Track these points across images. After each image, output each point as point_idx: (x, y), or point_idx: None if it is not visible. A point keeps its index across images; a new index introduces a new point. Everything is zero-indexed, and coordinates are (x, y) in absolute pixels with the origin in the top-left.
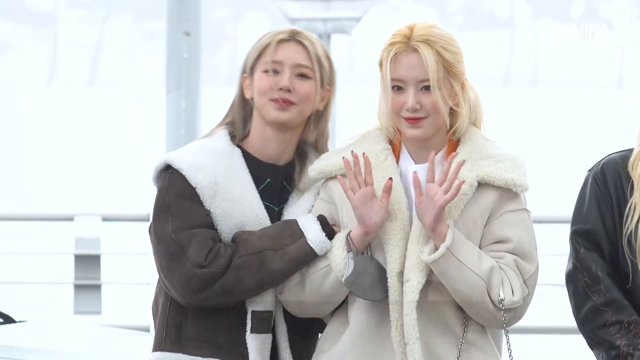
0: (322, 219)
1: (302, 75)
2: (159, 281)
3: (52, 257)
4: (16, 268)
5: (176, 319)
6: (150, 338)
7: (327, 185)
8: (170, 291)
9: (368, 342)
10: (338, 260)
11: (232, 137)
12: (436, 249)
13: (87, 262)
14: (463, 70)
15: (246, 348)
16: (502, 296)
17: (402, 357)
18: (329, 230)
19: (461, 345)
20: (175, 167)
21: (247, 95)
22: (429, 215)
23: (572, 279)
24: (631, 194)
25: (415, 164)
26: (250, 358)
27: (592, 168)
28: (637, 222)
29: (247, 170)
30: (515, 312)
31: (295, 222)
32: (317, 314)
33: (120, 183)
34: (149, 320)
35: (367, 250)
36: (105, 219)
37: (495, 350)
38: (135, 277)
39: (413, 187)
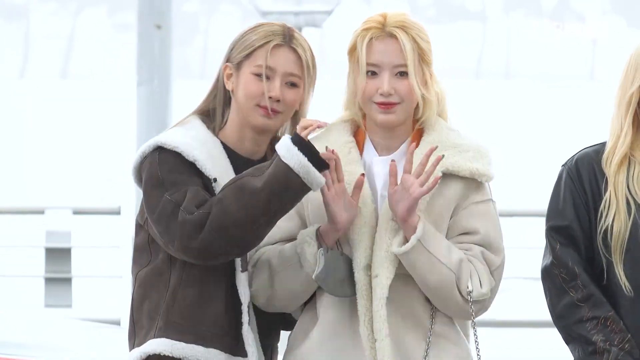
0: (295, 137)
1: (291, 84)
2: (143, 277)
3: (23, 250)
4: None
5: (168, 304)
6: (120, 331)
7: None
8: (177, 253)
9: (337, 337)
10: (308, 256)
11: (208, 128)
12: (406, 240)
13: (58, 255)
14: (432, 60)
15: (229, 338)
16: (470, 288)
17: (370, 352)
18: (302, 142)
19: (429, 338)
20: (169, 147)
21: (229, 87)
22: (402, 206)
23: (549, 274)
24: (605, 190)
25: (379, 155)
26: (249, 352)
27: (566, 163)
28: (612, 219)
29: (229, 161)
30: (482, 303)
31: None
32: (284, 308)
33: (92, 176)
34: (119, 314)
35: (337, 245)
36: (76, 212)
37: (464, 340)
38: (106, 271)
39: (389, 176)
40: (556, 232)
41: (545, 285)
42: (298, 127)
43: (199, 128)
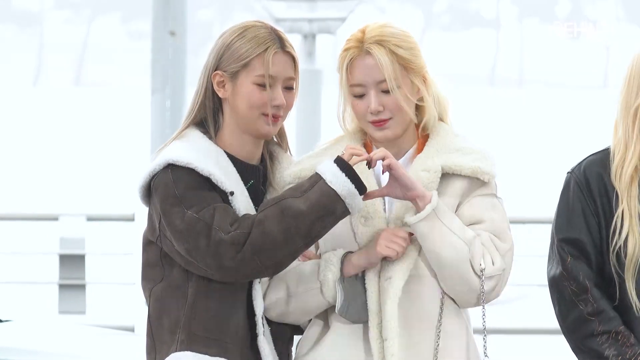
0: (339, 160)
1: (288, 87)
2: (156, 291)
3: (37, 256)
4: (0, 268)
5: (188, 317)
6: (134, 338)
7: None
8: (207, 271)
9: (349, 344)
10: (331, 284)
11: (209, 138)
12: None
13: (72, 262)
14: (422, 64)
15: (247, 349)
16: (483, 266)
17: (379, 355)
18: (349, 168)
19: (438, 337)
20: (182, 164)
21: (222, 95)
22: (402, 188)
23: (558, 285)
24: (616, 204)
25: None
26: None
27: (573, 171)
28: (626, 237)
29: (235, 169)
30: (495, 282)
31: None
32: (295, 322)
33: (105, 183)
34: (133, 320)
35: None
36: (90, 219)
37: (473, 340)
38: (119, 277)
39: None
40: (567, 244)
41: (553, 296)
42: (345, 154)
43: (200, 139)
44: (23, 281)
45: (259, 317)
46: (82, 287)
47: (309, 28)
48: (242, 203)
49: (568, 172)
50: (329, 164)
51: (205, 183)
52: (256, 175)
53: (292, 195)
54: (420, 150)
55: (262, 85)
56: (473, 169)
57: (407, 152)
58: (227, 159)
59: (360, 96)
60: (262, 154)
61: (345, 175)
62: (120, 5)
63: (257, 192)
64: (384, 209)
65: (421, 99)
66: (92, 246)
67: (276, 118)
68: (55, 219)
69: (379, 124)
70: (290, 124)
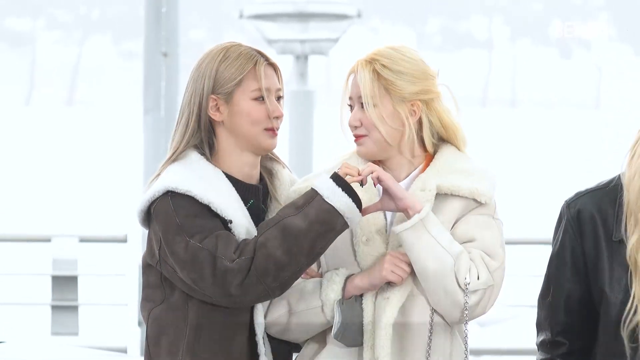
0: (334, 176)
1: (279, 98)
2: (154, 309)
3: (29, 278)
4: None
5: (191, 340)
6: (127, 359)
7: None
8: (213, 299)
9: None
10: (333, 304)
11: (207, 159)
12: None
13: (65, 283)
14: (413, 90)
15: None
16: (468, 280)
17: None
18: (345, 184)
19: (429, 358)
20: (181, 191)
21: (218, 118)
22: (394, 199)
23: (538, 306)
24: (613, 252)
25: None
26: None
27: (569, 206)
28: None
29: (235, 190)
30: (479, 296)
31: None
32: (296, 340)
33: (98, 204)
34: (126, 341)
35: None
36: (82, 240)
37: (462, 354)
38: (112, 298)
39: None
40: (552, 292)
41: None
42: (340, 171)
43: (199, 161)
44: (15, 302)
45: (260, 337)
46: (75, 308)
47: (301, 49)
48: (243, 228)
49: (565, 202)
50: (325, 179)
51: (205, 210)
52: (256, 195)
53: (289, 214)
54: (424, 171)
55: (258, 99)
56: (471, 190)
57: (409, 173)
58: (227, 180)
59: (351, 110)
60: (260, 172)
61: (342, 190)
62: (112, 25)
63: (258, 211)
64: (386, 230)
65: (402, 125)
66: (85, 267)
67: (276, 130)
68: (48, 240)
69: (357, 138)
70: (283, 144)
